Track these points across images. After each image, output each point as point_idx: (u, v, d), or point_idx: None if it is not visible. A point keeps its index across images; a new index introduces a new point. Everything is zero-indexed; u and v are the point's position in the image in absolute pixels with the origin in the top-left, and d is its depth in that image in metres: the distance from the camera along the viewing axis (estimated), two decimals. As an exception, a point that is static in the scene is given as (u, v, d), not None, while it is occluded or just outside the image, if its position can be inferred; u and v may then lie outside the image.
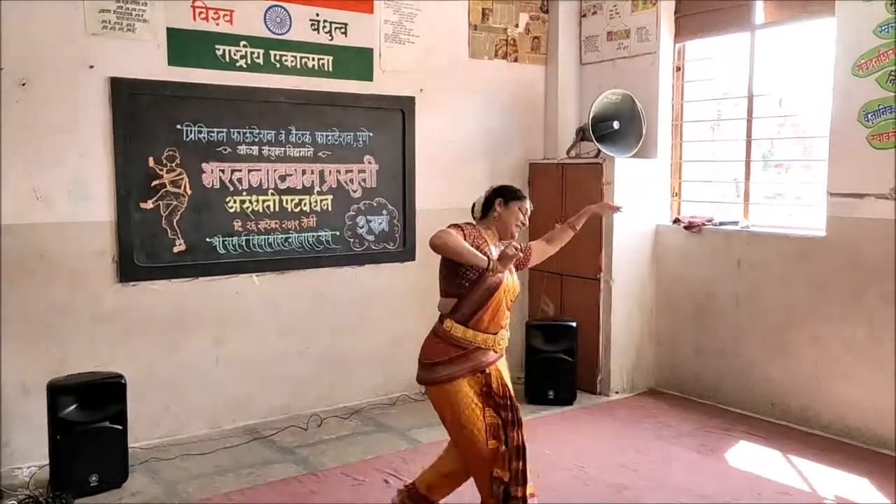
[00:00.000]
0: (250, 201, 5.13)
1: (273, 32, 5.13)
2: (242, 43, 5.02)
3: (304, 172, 5.33)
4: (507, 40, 6.32)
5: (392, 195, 5.75)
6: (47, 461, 4.09)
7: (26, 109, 4.35)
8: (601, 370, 5.92)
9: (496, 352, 3.35)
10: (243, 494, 4.13)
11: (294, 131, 5.26)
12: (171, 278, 4.88)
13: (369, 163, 5.62)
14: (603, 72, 6.38)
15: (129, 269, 4.72)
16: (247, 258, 5.15)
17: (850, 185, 4.83)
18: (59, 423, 4.01)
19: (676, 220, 5.98)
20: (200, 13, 4.85)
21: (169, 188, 4.83)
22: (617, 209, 3.96)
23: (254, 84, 5.07)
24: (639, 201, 5.86)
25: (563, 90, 6.52)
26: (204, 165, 4.94)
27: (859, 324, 4.83)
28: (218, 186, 5.00)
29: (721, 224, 5.68)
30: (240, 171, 5.07)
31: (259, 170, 5.14)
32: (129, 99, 4.64)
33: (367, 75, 5.56)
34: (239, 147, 5.05)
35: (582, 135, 6.12)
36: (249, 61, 5.06)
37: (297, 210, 5.33)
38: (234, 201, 5.07)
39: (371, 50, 5.56)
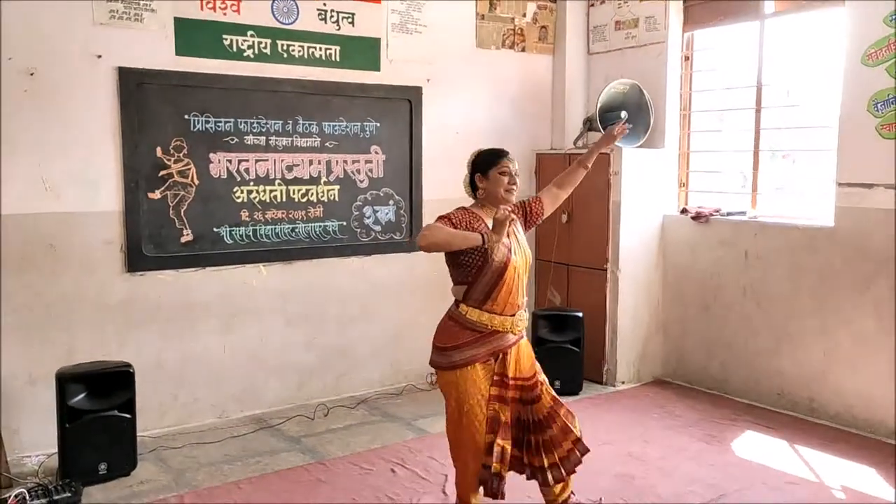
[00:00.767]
0: (257, 191, 5.14)
1: (280, 22, 5.12)
2: (250, 33, 5.02)
3: (311, 162, 5.33)
4: (514, 30, 6.30)
5: (399, 185, 5.75)
6: (56, 449, 4.11)
7: (34, 99, 4.36)
8: (608, 360, 5.92)
9: (514, 334, 3.25)
10: (251, 483, 4.15)
11: (301, 121, 5.26)
12: (178, 268, 4.90)
13: (376, 153, 5.62)
14: (611, 61, 6.36)
15: (137, 258, 4.73)
16: (254, 248, 5.16)
17: (858, 175, 4.81)
18: (68, 411, 4.03)
19: (684, 211, 5.96)
20: (208, 3, 4.85)
21: (176, 178, 4.83)
22: (624, 130, 3.59)
23: (261, 74, 5.07)
24: (646, 191, 5.85)
25: (570, 80, 6.50)
26: (211, 155, 4.95)
27: (867, 314, 4.82)
28: (225, 176, 5.01)
29: (728, 214, 5.66)
30: (247, 161, 5.08)
31: (266, 160, 5.15)
32: (136, 89, 4.64)
33: (374, 65, 5.55)
34: (246, 137, 5.06)
35: (589, 125, 6.10)
36: (257, 51, 5.05)
37: (304, 200, 5.33)
38: (242, 191, 5.08)
39: (378, 40, 5.55)
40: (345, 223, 5.53)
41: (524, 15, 6.34)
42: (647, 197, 5.88)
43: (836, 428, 4.95)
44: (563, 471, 3.26)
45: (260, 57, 5.07)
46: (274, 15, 5.09)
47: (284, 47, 5.15)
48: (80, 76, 4.48)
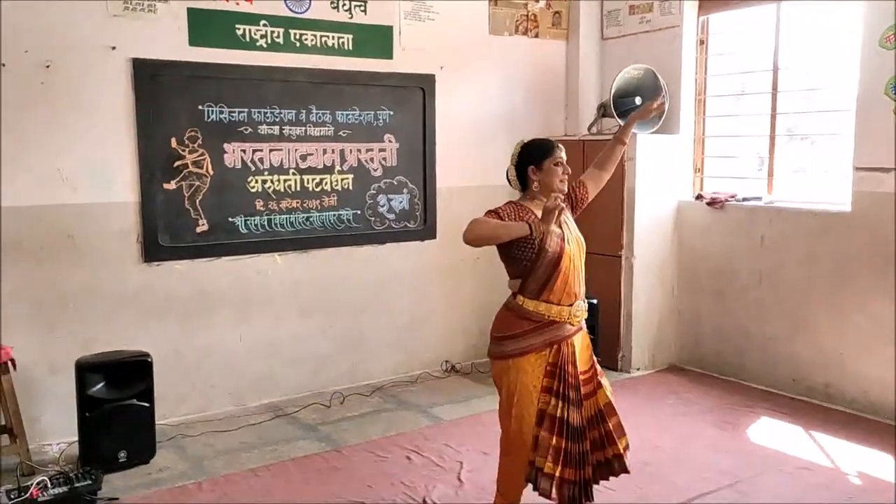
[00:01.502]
0: (272, 181, 5.16)
1: (293, 11, 5.12)
2: (262, 22, 5.02)
3: (324, 152, 5.34)
4: (527, 16, 6.26)
5: (413, 174, 5.75)
6: (76, 438, 4.17)
7: (50, 91, 4.39)
8: (622, 347, 5.92)
9: (573, 325, 3.13)
10: (269, 470, 4.19)
11: (314, 110, 5.27)
12: (194, 258, 4.93)
13: (390, 141, 5.62)
14: (625, 46, 6.30)
15: (154, 249, 4.77)
16: (269, 237, 5.19)
17: (875, 160, 4.76)
18: (88, 400, 4.09)
19: (699, 197, 5.92)
20: (220, -7, 4.87)
21: (191, 168, 4.86)
22: (662, 105, 3.53)
23: (274, 63, 5.08)
24: (661, 177, 5.82)
25: (584, 66, 6.46)
26: (225, 146, 4.97)
27: (884, 299, 4.78)
28: (239, 166, 5.03)
29: (744, 200, 5.62)
30: (261, 150, 5.09)
31: (280, 149, 5.16)
32: (150, 80, 4.67)
33: (387, 53, 5.54)
34: (260, 127, 5.07)
35: (603, 111, 6.06)
36: (269, 41, 5.06)
37: (318, 189, 5.35)
38: (256, 181, 5.10)
39: (391, 28, 5.54)
40: (359, 212, 5.55)
41: (537, 0, 6.30)
42: (661, 183, 5.85)
43: (853, 413, 4.93)
44: (625, 462, 3.22)
45: (273, 46, 5.07)
46: (286, 4, 5.09)
47: (297, 36, 5.16)
48: (95, 68, 4.51)
